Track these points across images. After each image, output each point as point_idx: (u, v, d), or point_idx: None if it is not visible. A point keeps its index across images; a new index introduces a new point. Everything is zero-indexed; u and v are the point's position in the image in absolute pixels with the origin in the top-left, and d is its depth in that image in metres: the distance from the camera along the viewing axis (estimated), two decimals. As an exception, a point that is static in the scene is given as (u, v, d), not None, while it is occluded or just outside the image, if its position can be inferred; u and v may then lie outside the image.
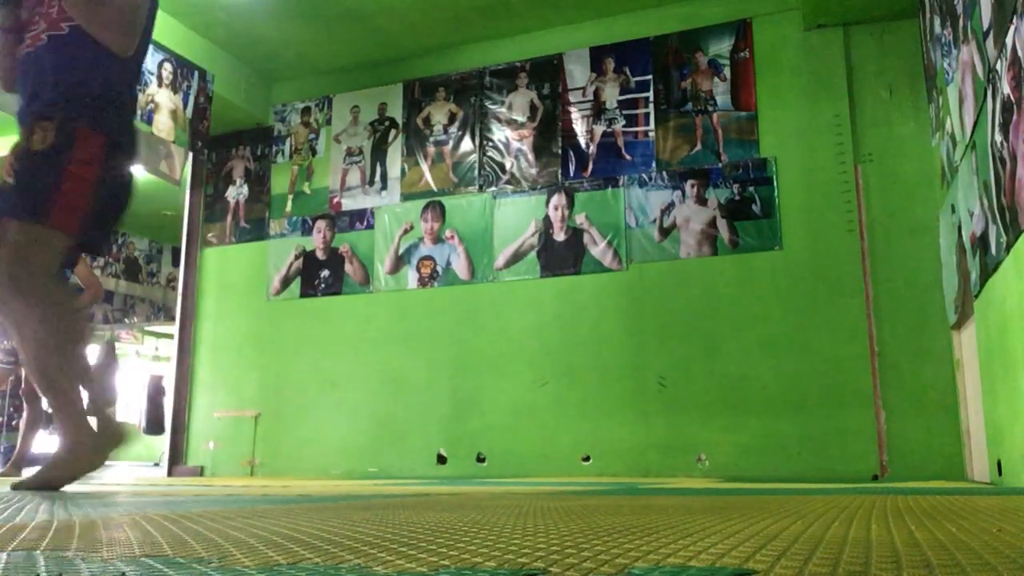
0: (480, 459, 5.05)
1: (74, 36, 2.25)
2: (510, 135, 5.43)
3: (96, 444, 2.16)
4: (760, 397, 4.54)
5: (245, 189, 6.14)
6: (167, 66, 5.20)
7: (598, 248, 5.03)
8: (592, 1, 5.18)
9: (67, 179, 2.17)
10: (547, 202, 5.22)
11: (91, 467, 2.18)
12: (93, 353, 5.96)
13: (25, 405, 4.40)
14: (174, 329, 6.12)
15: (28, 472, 4.37)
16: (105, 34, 2.25)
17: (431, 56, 5.73)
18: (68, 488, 2.21)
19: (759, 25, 4.97)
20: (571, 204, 5.16)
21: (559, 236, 5.15)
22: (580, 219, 5.12)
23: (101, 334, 7.92)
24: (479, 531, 0.93)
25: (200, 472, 5.74)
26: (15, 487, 2.11)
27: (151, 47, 5.09)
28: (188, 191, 6.10)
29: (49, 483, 2.13)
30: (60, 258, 2.21)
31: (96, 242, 2.49)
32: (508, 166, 5.39)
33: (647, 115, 5.12)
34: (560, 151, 5.27)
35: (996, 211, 2.74)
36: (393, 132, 5.79)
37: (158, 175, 5.62)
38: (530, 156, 5.35)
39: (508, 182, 5.37)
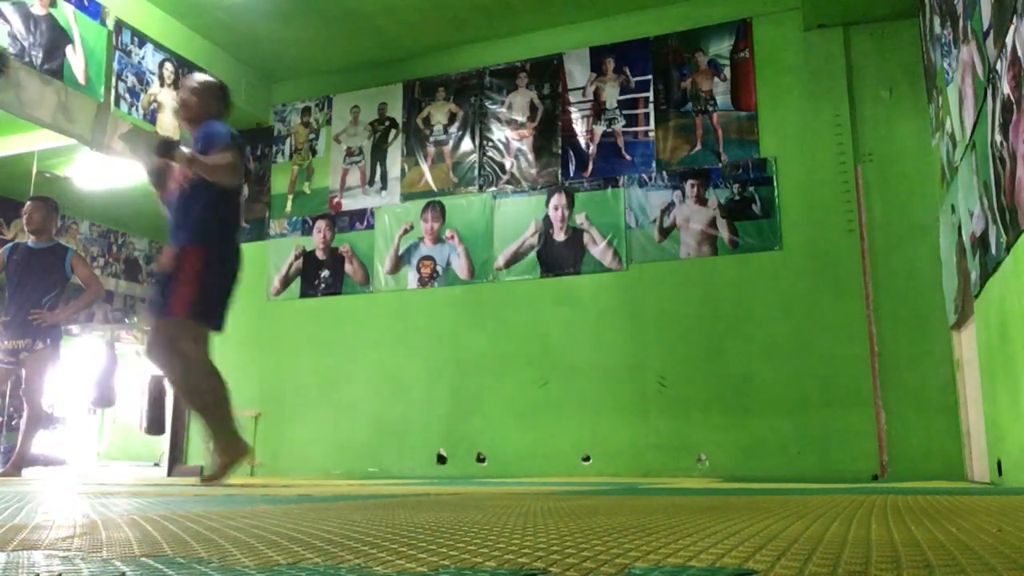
0: (480, 459, 5.05)
1: (188, 192, 3.16)
2: (510, 135, 5.43)
3: (235, 447, 3.06)
4: (760, 397, 4.53)
5: (245, 189, 6.13)
6: (168, 66, 5.20)
7: (598, 248, 5.03)
8: (592, 1, 5.18)
9: (176, 285, 3.08)
10: (547, 202, 5.22)
11: (237, 459, 3.04)
12: (93, 353, 5.95)
13: (25, 405, 4.39)
14: (174, 329, 6.10)
15: (27, 472, 4.37)
16: (222, 180, 3.16)
17: (431, 56, 5.73)
18: (77, 491, 2.21)
19: (759, 25, 4.97)
20: (571, 204, 5.16)
21: (559, 236, 5.15)
22: (580, 219, 5.12)
23: (101, 334, 7.91)
24: (479, 531, 0.93)
25: (200, 472, 5.74)
26: (206, 481, 3.01)
27: (152, 47, 5.10)
28: (188, 191, 6.10)
29: (218, 477, 2.99)
30: (191, 334, 3.11)
31: (215, 318, 3.27)
32: (508, 166, 5.39)
33: (647, 115, 5.11)
34: (560, 151, 5.27)
35: (996, 211, 2.74)
36: (393, 132, 5.79)
37: None
38: (530, 156, 5.35)
39: (508, 182, 5.37)
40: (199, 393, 3.12)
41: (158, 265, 3.17)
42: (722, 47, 5.03)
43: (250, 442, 3.29)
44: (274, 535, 0.89)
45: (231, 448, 3.06)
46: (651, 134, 5.08)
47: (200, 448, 5.83)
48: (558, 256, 5.12)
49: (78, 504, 1.54)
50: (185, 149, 3.18)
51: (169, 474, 5.72)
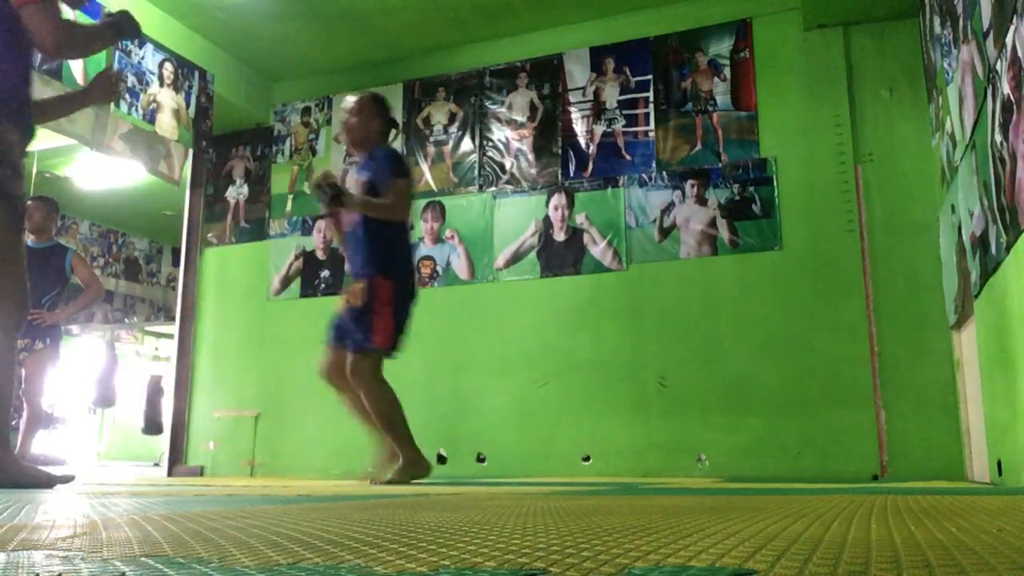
0: (480, 459, 5.05)
1: (367, 224, 3.35)
2: (510, 135, 5.43)
3: (417, 462, 3.32)
4: (760, 397, 4.54)
5: (245, 189, 6.14)
6: (168, 66, 5.20)
7: (598, 248, 5.03)
8: (592, 1, 5.18)
9: (375, 319, 3.30)
10: (547, 202, 5.22)
11: (420, 474, 3.32)
12: (93, 353, 5.95)
13: (25, 405, 4.39)
14: (174, 329, 6.11)
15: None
16: (396, 218, 3.36)
17: (431, 56, 5.73)
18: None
19: (759, 25, 4.97)
20: (571, 204, 5.16)
21: (559, 236, 5.15)
22: (580, 219, 5.12)
23: (101, 334, 7.92)
24: (479, 531, 0.93)
25: (200, 472, 5.74)
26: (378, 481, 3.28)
27: (152, 47, 5.10)
28: (188, 191, 6.10)
29: (398, 482, 3.22)
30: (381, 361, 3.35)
31: (399, 344, 3.44)
32: (508, 166, 5.39)
33: (647, 115, 5.11)
34: (560, 151, 5.27)
35: (996, 211, 2.74)
36: (393, 132, 5.78)
37: (157, 175, 5.62)
38: (530, 156, 5.35)
39: (508, 182, 5.37)
40: (391, 414, 3.34)
41: (347, 298, 3.41)
42: (722, 47, 5.03)
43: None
44: (274, 535, 0.89)
45: (416, 464, 3.34)
46: (651, 134, 5.08)
47: (197, 448, 5.83)
48: (558, 256, 5.12)
49: (78, 504, 1.55)
50: (354, 194, 3.36)
51: (169, 474, 5.72)
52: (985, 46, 2.77)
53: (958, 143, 3.44)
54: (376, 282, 3.31)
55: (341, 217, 3.48)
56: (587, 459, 4.83)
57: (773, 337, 4.57)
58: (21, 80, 2.47)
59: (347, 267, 3.56)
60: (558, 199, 5.20)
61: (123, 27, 2.67)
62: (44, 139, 5.15)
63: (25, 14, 2.39)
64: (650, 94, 5.13)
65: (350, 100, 3.60)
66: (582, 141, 5.23)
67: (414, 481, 3.32)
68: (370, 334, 3.29)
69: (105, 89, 2.86)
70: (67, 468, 4.17)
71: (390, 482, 3.30)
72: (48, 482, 2.17)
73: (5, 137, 2.38)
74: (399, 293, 3.37)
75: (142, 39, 2.44)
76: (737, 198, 4.80)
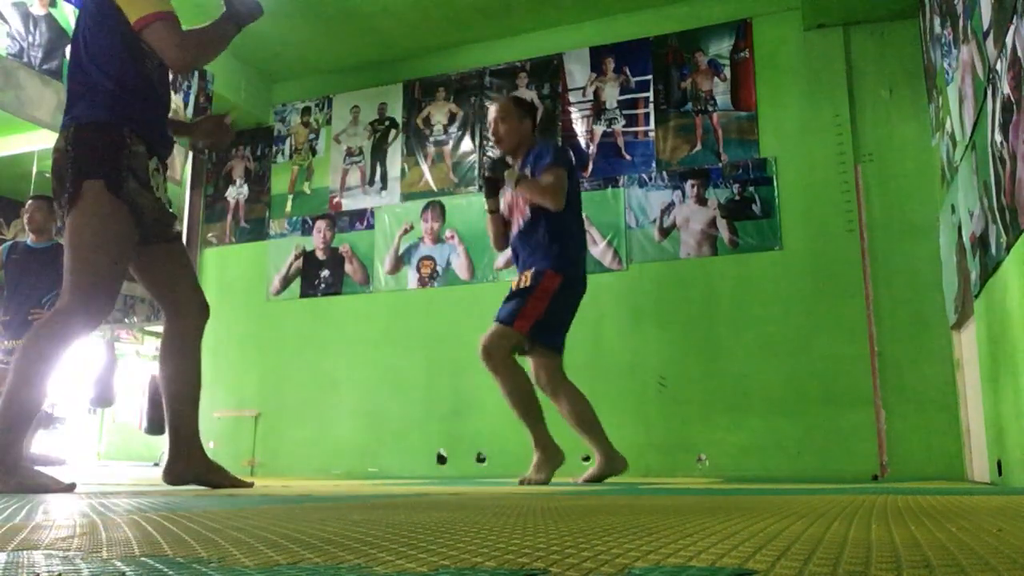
0: (480, 459, 5.05)
1: (536, 218, 3.35)
2: (510, 135, 5.42)
3: (554, 456, 3.32)
4: (760, 397, 4.53)
5: (245, 189, 6.14)
6: (167, 66, 5.20)
7: (598, 248, 5.03)
8: (592, 1, 5.18)
9: (530, 301, 3.28)
10: (547, 202, 5.21)
11: (556, 466, 3.31)
12: (93, 353, 5.95)
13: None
14: (174, 329, 6.10)
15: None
16: (547, 203, 3.29)
17: (431, 56, 5.73)
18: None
19: (759, 25, 4.97)
20: (571, 204, 5.15)
21: (559, 236, 5.15)
22: (580, 219, 5.11)
23: (101, 334, 7.91)
24: (479, 531, 0.93)
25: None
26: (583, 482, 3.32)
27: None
28: (188, 191, 6.10)
29: (537, 482, 3.25)
30: (517, 344, 3.31)
31: (551, 342, 3.40)
32: (508, 166, 5.38)
33: (647, 115, 5.11)
34: (560, 151, 5.27)
35: (996, 211, 2.74)
36: (393, 132, 5.79)
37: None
38: (531, 156, 5.34)
39: (508, 182, 5.36)
40: (524, 403, 3.31)
41: (516, 282, 3.42)
42: (722, 47, 5.03)
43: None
44: (274, 535, 0.89)
45: (612, 461, 3.39)
46: (651, 134, 5.08)
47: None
48: (558, 256, 5.11)
49: (78, 504, 1.54)
50: (515, 171, 3.34)
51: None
52: (985, 46, 2.77)
53: (958, 143, 3.44)
54: (548, 274, 3.30)
55: (508, 216, 3.48)
56: (587, 459, 4.82)
57: (773, 337, 4.57)
58: (140, 96, 2.48)
59: (518, 268, 3.52)
60: (558, 199, 5.19)
61: (241, 15, 2.57)
62: (44, 139, 5.15)
63: (148, 34, 2.41)
64: (650, 94, 5.13)
65: (492, 109, 3.59)
66: (582, 141, 5.23)
67: (607, 477, 3.41)
68: (517, 313, 3.27)
69: (214, 134, 2.83)
70: (67, 471, 4.17)
71: (585, 481, 3.39)
72: (47, 488, 2.19)
73: (134, 150, 2.42)
74: (565, 291, 3.33)
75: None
76: (737, 198, 4.80)
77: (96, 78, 2.42)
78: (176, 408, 2.56)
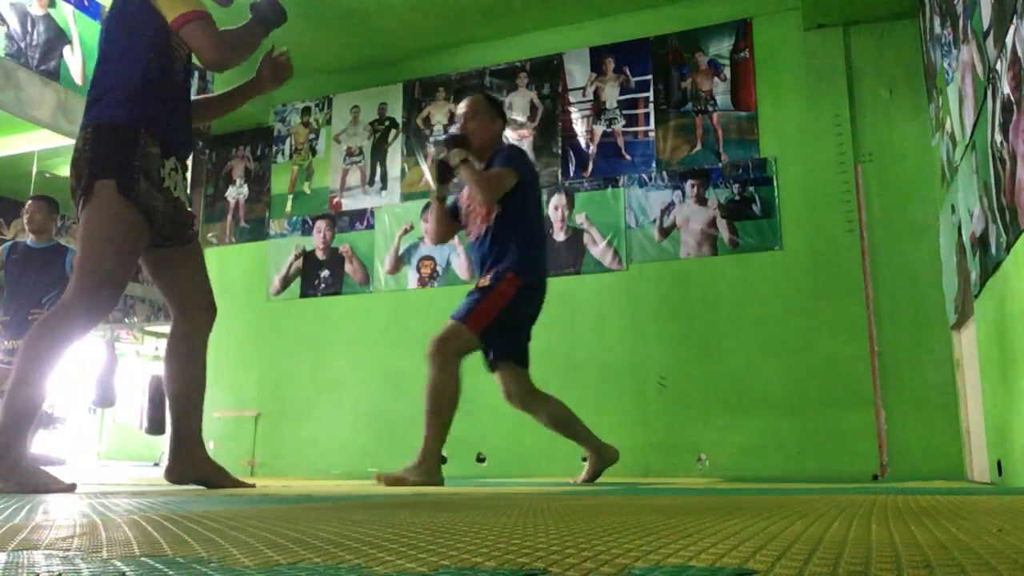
0: (480, 459, 5.05)
1: (499, 225, 3.21)
2: (510, 135, 5.42)
3: (432, 470, 3.13)
4: (760, 397, 4.53)
5: (245, 189, 6.14)
6: (167, 66, 5.20)
7: (598, 248, 5.03)
8: (592, 1, 5.18)
9: (485, 300, 3.13)
10: (547, 202, 5.22)
11: (432, 483, 3.06)
12: (93, 353, 5.95)
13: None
14: (174, 329, 6.11)
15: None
16: (479, 194, 3.14)
17: (431, 56, 5.73)
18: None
19: (759, 25, 4.97)
20: (571, 204, 5.16)
21: (559, 236, 5.15)
22: (580, 219, 5.12)
23: (101, 334, 7.91)
24: (479, 531, 0.93)
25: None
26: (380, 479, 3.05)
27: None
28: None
29: (401, 481, 3.04)
30: (468, 347, 3.17)
31: (501, 347, 3.34)
32: (508, 166, 5.38)
33: (647, 115, 5.11)
34: (560, 151, 5.27)
35: (996, 211, 2.74)
36: (393, 132, 5.79)
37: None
38: (530, 156, 5.34)
39: (508, 182, 5.36)
40: (442, 405, 3.19)
41: (477, 283, 3.28)
42: (722, 47, 5.03)
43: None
44: (274, 535, 0.89)
45: (604, 455, 3.39)
46: (651, 134, 5.08)
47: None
48: (558, 256, 5.12)
49: (78, 504, 1.54)
50: (463, 152, 3.18)
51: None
52: (985, 46, 2.77)
53: (958, 143, 3.44)
54: (509, 276, 3.15)
55: (465, 220, 3.36)
56: (587, 459, 4.82)
57: (773, 337, 4.57)
58: (159, 95, 2.50)
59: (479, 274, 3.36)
60: (558, 199, 5.20)
61: (268, 17, 2.65)
62: (44, 139, 5.15)
63: (187, 32, 2.46)
64: (650, 94, 5.13)
65: (462, 105, 3.39)
66: (582, 141, 5.23)
67: (600, 473, 3.40)
68: (472, 310, 3.13)
69: (274, 73, 2.83)
70: (67, 471, 4.17)
71: (584, 481, 3.39)
72: (48, 488, 2.19)
73: (148, 151, 2.43)
74: (523, 297, 3.19)
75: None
76: (737, 198, 4.80)
77: (116, 79, 2.44)
78: (179, 408, 2.57)
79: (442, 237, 3.50)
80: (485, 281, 3.19)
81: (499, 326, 3.16)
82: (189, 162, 5.94)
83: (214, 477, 2.57)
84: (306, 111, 6.06)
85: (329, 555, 0.71)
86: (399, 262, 5.54)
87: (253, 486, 2.64)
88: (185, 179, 2.62)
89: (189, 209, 2.66)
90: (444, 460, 5.16)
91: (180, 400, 2.57)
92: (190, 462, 2.55)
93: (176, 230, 2.56)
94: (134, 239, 2.41)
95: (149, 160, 2.42)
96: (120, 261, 2.38)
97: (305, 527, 1.00)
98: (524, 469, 4.88)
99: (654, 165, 5.02)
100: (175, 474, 2.55)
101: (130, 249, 2.41)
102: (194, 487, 2.55)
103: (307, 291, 5.77)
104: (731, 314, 4.69)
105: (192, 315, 2.61)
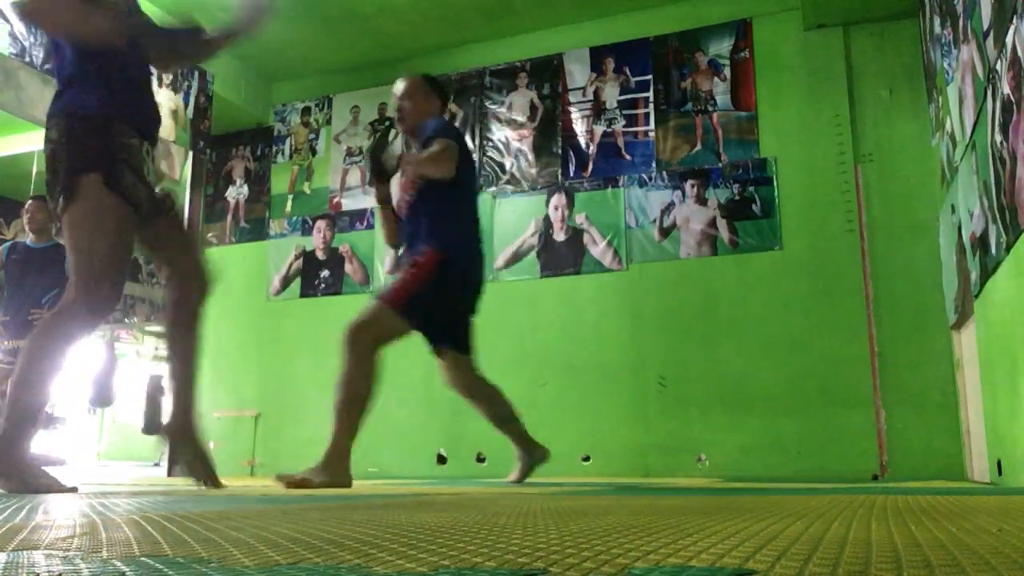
0: (480, 459, 5.05)
1: (420, 199, 3.02)
2: (510, 135, 5.43)
3: (340, 470, 2.91)
4: (760, 397, 4.53)
5: (245, 189, 6.14)
6: (167, 66, 5.20)
7: (598, 248, 5.03)
8: (592, 1, 5.18)
9: (406, 276, 2.95)
10: (547, 202, 5.22)
11: (339, 484, 2.84)
12: (93, 353, 5.95)
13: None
14: (174, 329, 6.10)
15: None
16: (433, 172, 2.93)
17: (431, 56, 5.73)
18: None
19: (759, 25, 4.97)
20: (571, 204, 5.16)
21: (559, 236, 5.15)
22: (580, 219, 5.12)
23: (100, 334, 7.91)
24: (479, 531, 0.93)
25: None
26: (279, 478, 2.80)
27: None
28: (188, 191, 6.09)
29: (305, 483, 2.81)
30: (389, 331, 2.98)
31: (435, 332, 3.20)
32: (508, 166, 5.39)
33: (647, 115, 5.12)
34: (560, 151, 5.27)
35: (996, 211, 2.74)
36: (393, 132, 5.78)
37: (157, 175, 5.62)
38: (530, 156, 5.35)
39: (508, 182, 5.37)
40: (355, 399, 2.96)
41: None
42: (722, 47, 5.03)
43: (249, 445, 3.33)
44: (274, 535, 0.89)
45: (533, 455, 3.33)
46: (651, 134, 5.08)
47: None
48: (558, 256, 5.12)
49: (78, 504, 1.54)
50: (395, 153, 3.10)
51: (169, 474, 5.71)
52: (985, 46, 2.77)
53: (958, 143, 3.44)
54: (427, 252, 2.94)
55: (395, 207, 3.17)
56: (587, 459, 4.82)
57: (773, 337, 4.57)
58: (133, 83, 2.46)
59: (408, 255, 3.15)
60: (558, 199, 5.20)
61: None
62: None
63: None
64: (650, 94, 5.13)
65: (399, 84, 3.24)
66: (582, 141, 5.23)
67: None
68: (391, 288, 2.96)
69: (255, 18, 2.75)
70: (67, 471, 4.17)
71: (515, 481, 3.34)
72: (50, 489, 2.18)
73: (126, 141, 2.38)
74: (446, 272, 2.94)
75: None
76: (737, 198, 4.80)
77: (80, 65, 2.36)
78: (174, 377, 2.54)
79: (397, 239, 3.29)
80: (408, 259, 3.02)
81: (423, 306, 2.94)
82: (189, 162, 5.93)
83: (198, 462, 2.56)
84: (306, 111, 6.06)
85: (329, 555, 0.71)
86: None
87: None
88: (154, 160, 2.56)
89: (157, 190, 2.59)
90: (444, 460, 5.18)
91: (174, 373, 2.54)
92: (190, 421, 2.54)
93: (153, 206, 2.49)
94: (124, 230, 2.38)
95: (130, 151, 2.37)
96: (115, 256, 2.36)
97: (305, 527, 1.00)
98: (524, 469, 4.88)
99: (654, 165, 5.02)
100: (172, 430, 2.54)
101: (123, 242, 2.39)
102: (194, 487, 2.55)
103: (307, 291, 5.77)
104: (731, 314, 4.69)
105: (178, 283, 2.56)
